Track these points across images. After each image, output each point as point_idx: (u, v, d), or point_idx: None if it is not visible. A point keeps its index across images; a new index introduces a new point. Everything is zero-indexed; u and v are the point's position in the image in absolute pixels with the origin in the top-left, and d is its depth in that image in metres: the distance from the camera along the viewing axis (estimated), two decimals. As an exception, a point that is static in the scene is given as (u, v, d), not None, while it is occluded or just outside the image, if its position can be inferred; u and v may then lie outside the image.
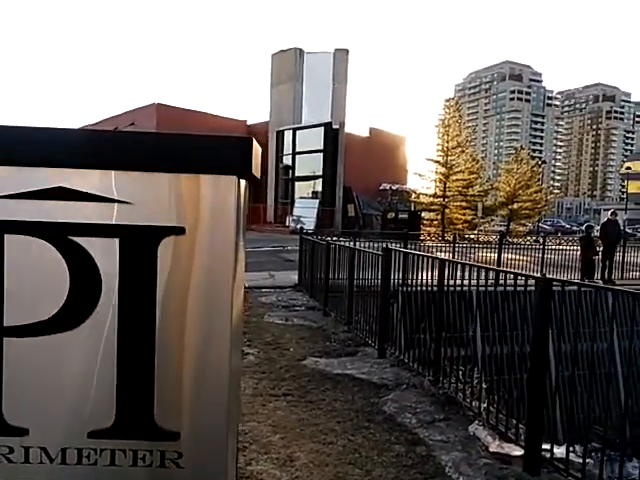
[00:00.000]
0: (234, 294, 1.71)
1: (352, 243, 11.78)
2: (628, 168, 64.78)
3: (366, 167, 33.71)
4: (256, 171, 1.76)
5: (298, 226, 17.88)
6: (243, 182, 1.76)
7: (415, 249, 11.83)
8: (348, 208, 31.44)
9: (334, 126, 30.77)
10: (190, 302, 1.62)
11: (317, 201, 30.18)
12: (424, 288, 5.34)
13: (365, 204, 32.73)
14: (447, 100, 34.77)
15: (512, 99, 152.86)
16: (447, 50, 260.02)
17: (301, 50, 33.10)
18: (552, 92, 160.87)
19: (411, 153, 56.28)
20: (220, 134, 1.63)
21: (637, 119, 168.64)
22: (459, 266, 4.73)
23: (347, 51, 32.41)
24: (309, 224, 27.87)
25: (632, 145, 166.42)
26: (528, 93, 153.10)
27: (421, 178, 32.98)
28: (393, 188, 34.70)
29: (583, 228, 13.91)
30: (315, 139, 31.19)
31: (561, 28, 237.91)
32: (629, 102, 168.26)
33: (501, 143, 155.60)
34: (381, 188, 35.23)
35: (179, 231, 1.61)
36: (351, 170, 31.95)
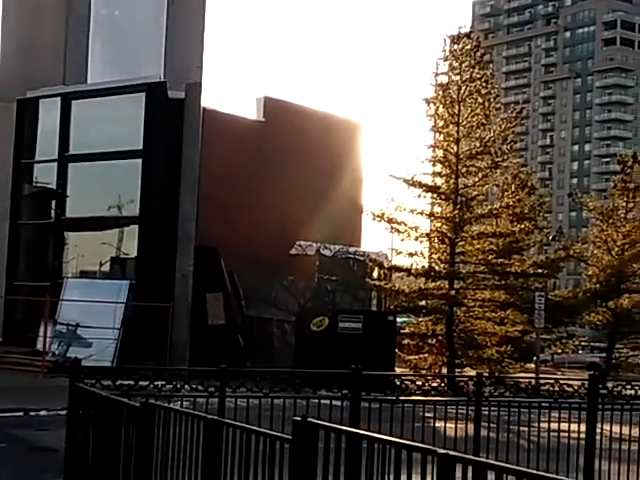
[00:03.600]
0: None
1: (219, 400, 11.69)
2: None
3: (255, 197, 34.32)
4: None
5: (69, 355, 17.58)
6: None
7: (378, 414, 12.03)
8: (209, 303, 31.52)
9: (173, 92, 31.37)
10: None
11: (124, 284, 30.35)
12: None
13: (254, 293, 32.98)
14: (456, 39, 37.15)
15: (610, 41, 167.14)
16: None
17: None
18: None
19: (372, 167, 58.49)
20: None
21: None
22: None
23: None
24: (101, 349, 27.52)
25: None
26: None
27: (395, 230, 34.24)
28: (325, 254, 35.57)
29: None
30: (124, 124, 31.77)
31: None
32: None
33: (586, 146, 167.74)
34: (294, 252, 35.89)
35: None
36: (216, 205, 32.29)
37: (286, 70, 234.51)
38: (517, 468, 4.94)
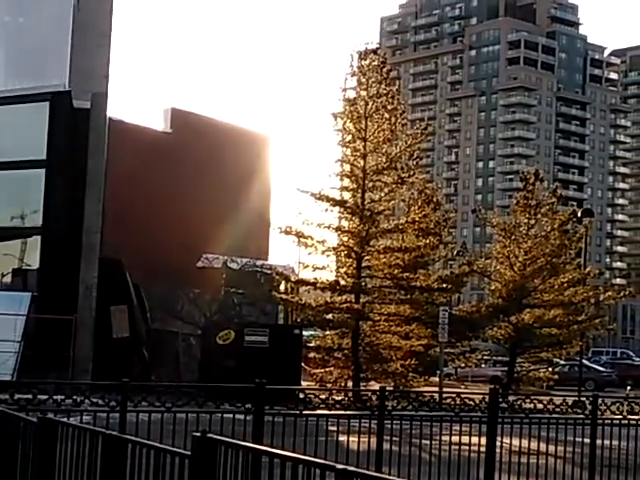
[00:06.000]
0: None
1: (120, 415, 11.57)
2: None
3: (162, 209, 34.06)
4: None
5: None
6: None
7: (282, 427, 12.00)
8: (113, 316, 31.17)
9: (78, 102, 30.99)
10: None
11: (26, 296, 29.82)
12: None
13: (160, 306, 32.67)
14: (363, 54, 37.34)
15: (514, 61, 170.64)
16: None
17: None
18: (602, 50, 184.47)
19: (280, 181, 58.43)
20: None
21: None
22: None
23: None
24: (1, 363, 26.60)
25: None
26: (550, 50, 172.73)
27: (303, 244, 34.26)
28: (232, 267, 35.47)
29: None
30: (22, 134, 31.38)
31: None
32: None
33: (490, 163, 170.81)
34: (200, 265, 35.73)
35: None
36: (122, 216, 31.96)
37: (195, 82, 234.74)
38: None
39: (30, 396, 10.85)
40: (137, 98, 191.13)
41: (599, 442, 14.54)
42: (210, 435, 6.37)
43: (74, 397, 11.57)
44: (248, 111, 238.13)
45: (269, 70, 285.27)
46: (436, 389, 30.64)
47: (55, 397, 11.23)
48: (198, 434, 6.35)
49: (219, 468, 6.31)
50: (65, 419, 9.24)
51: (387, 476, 5.73)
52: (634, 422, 15.12)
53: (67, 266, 30.00)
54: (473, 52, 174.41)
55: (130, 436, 7.98)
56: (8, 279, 32.06)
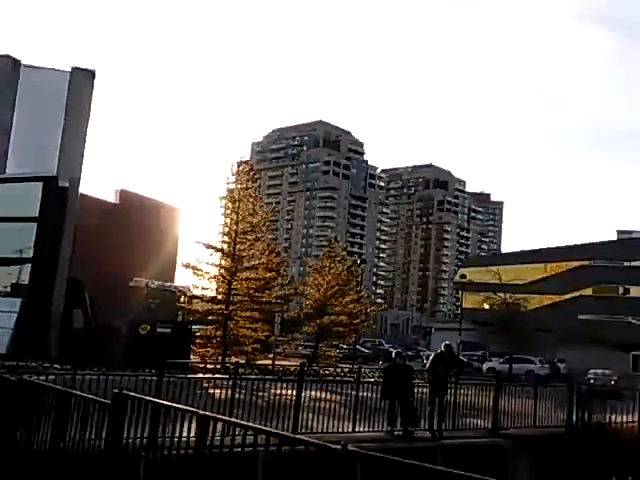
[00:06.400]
0: None
1: (72, 377, 11.13)
2: (463, 276, 77.58)
3: (110, 251, 33.05)
4: None
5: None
6: None
7: (175, 386, 11.75)
8: (74, 315, 29.77)
9: (61, 183, 29.71)
10: None
11: (18, 301, 27.96)
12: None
13: (105, 309, 31.50)
14: (240, 164, 37.45)
15: (327, 172, 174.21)
16: (243, 96, 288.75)
17: (15, 60, 32.06)
18: (376, 169, 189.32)
19: (185, 235, 57.31)
20: None
21: (472, 214, 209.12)
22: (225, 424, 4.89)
23: (93, 73, 32.55)
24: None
25: (467, 246, 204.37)
26: (347, 167, 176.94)
27: (195, 274, 33.76)
28: (151, 286, 34.53)
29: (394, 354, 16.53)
30: (24, 201, 29.71)
31: (386, 91, 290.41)
32: (463, 192, 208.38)
33: (310, 230, 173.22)
34: (132, 284, 34.68)
35: None
36: (84, 254, 30.82)
37: (139, 168, 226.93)
38: (244, 423, 4.96)
39: (14, 363, 10.30)
40: (97, 178, 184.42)
41: (361, 394, 14.83)
42: (124, 392, 6.20)
43: (45, 364, 11.07)
44: (167, 189, 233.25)
45: (184, 163, 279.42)
46: (270, 362, 30.60)
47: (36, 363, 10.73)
48: (116, 391, 6.18)
49: (130, 414, 6.14)
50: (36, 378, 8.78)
51: (230, 418, 5.73)
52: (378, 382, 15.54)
53: (47, 283, 28.60)
54: (304, 166, 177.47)
55: (77, 391, 7.65)
56: (8, 289, 30.20)
